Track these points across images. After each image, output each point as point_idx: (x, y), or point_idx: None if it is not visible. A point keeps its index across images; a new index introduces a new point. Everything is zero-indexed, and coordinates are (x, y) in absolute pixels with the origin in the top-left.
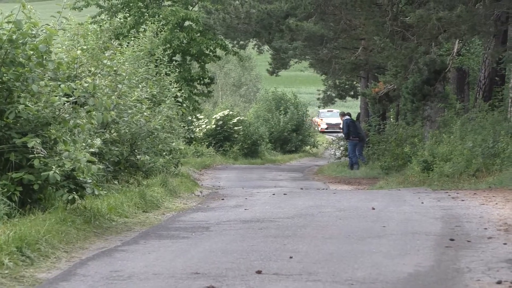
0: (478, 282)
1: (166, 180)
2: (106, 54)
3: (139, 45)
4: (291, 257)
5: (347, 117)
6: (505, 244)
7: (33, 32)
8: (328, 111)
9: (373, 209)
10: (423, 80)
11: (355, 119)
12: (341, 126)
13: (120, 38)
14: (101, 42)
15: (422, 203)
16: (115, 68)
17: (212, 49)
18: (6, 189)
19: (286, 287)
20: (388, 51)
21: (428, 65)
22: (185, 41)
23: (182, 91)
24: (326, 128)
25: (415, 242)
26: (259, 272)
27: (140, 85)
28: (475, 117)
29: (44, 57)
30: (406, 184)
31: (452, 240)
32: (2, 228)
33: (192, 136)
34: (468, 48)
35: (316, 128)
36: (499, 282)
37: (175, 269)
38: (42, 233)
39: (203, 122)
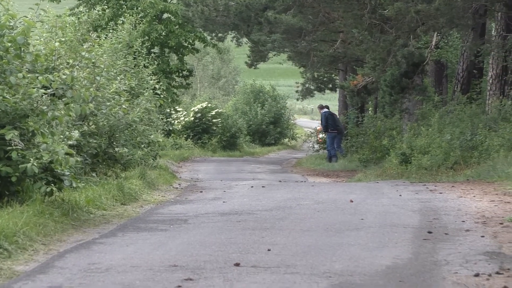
0: (456, 274)
1: (145, 172)
2: (84, 46)
3: (117, 37)
4: (269, 250)
5: (326, 109)
6: (482, 236)
7: (11, 24)
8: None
9: (351, 201)
10: (401, 73)
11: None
12: None
13: (99, 30)
14: (79, 34)
15: (400, 195)
16: (93, 60)
17: (190, 41)
18: None
19: (264, 279)
20: (366, 44)
21: (406, 58)
22: (163, 34)
23: (161, 83)
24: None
25: (393, 235)
26: (237, 264)
27: (118, 77)
28: (453, 110)
29: (22, 49)
30: (384, 177)
31: (430, 232)
32: None
33: (171, 128)
34: (446, 41)
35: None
36: (476, 275)
37: (153, 262)
38: (19, 226)
39: (182, 114)
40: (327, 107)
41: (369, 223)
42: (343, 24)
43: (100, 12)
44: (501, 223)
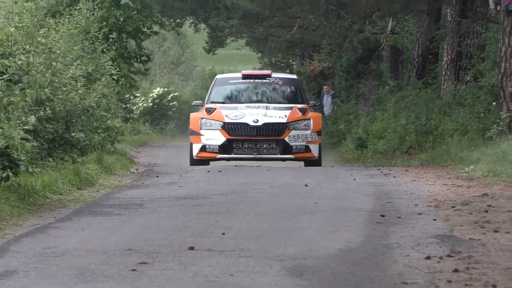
0: (407, 257)
1: (102, 157)
2: (41, 32)
3: (75, 22)
4: (223, 234)
5: None
6: (434, 220)
7: None
8: None
9: (306, 186)
10: (357, 58)
11: None
12: None
13: (57, 16)
14: (35, 20)
15: (355, 179)
16: (49, 46)
17: (148, 26)
18: None
19: (218, 262)
20: (322, 29)
21: (362, 43)
22: (121, 19)
23: (118, 69)
24: None
25: (346, 218)
26: (191, 248)
27: (75, 63)
28: (408, 95)
29: None
30: (341, 162)
31: (382, 216)
32: None
33: (130, 115)
34: (402, 27)
35: None
36: (428, 258)
37: (108, 246)
38: None
39: (140, 100)
40: None
41: (323, 207)
42: (300, 10)
43: None
44: (453, 207)
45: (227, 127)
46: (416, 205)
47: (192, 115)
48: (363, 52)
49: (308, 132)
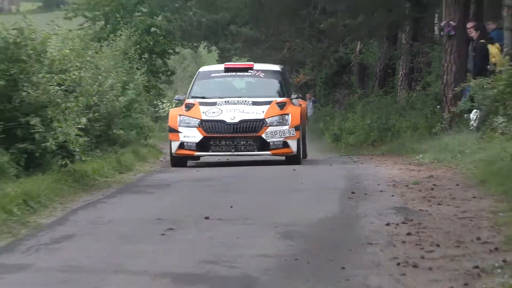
0: (372, 224)
1: (137, 149)
2: (89, 53)
3: (116, 46)
4: (231, 207)
5: None
6: (392, 196)
7: (33, 36)
8: None
9: (294, 170)
10: (333, 72)
11: None
12: None
13: (101, 41)
14: (84, 43)
15: (331, 165)
16: (95, 64)
17: (172, 48)
18: (14, 157)
19: (227, 228)
20: (306, 50)
21: (337, 61)
22: (151, 43)
23: (149, 80)
24: None
25: (325, 195)
26: (207, 218)
27: (112, 74)
28: (372, 101)
29: (41, 55)
30: (321, 152)
31: (353, 193)
32: (12, 186)
33: (158, 115)
34: (367, 48)
35: None
36: (387, 224)
37: (143, 216)
38: (42, 189)
39: (167, 105)
40: None
41: (308, 186)
42: (289, 35)
43: (101, 27)
44: (407, 186)
45: (204, 125)
46: (379, 184)
47: (171, 111)
48: (337, 68)
49: (286, 127)
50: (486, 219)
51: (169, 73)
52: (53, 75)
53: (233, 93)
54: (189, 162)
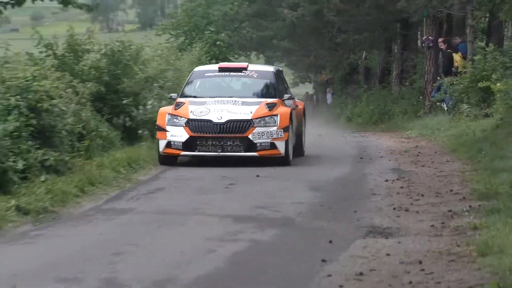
0: (375, 180)
1: None
2: (172, 58)
3: (192, 54)
4: (275, 168)
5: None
6: (389, 160)
7: (132, 47)
8: None
9: (320, 136)
10: (346, 73)
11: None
12: None
13: (182, 51)
14: (170, 52)
15: (345, 138)
16: (178, 67)
17: (232, 56)
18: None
19: (273, 184)
20: (326, 57)
21: (348, 65)
22: (217, 52)
23: None
24: None
25: (340, 160)
26: (257, 176)
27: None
28: (374, 93)
29: (136, 59)
30: (338, 129)
31: (361, 158)
32: (119, 153)
33: None
34: (370, 55)
35: None
36: (386, 180)
37: (212, 176)
38: (141, 155)
39: None
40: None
41: (327, 153)
42: (314, 47)
43: (182, 41)
44: (400, 153)
45: (191, 124)
46: (379, 152)
47: (160, 110)
48: (349, 70)
49: (274, 128)
50: (457, 176)
51: None
52: (142, 71)
53: (224, 93)
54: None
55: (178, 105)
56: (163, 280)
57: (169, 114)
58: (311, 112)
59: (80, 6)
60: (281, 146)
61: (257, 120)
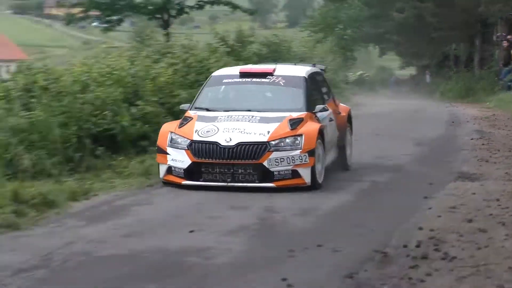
0: (463, 139)
1: None
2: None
3: (326, 45)
4: (385, 126)
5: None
6: (474, 124)
7: (284, 39)
8: None
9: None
10: (440, 60)
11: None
12: None
13: (318, 43)
14: (310, 42)
15: (438, 108)
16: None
17: (356, 47)
18: None
19: (386, 140)
20: (425, 48)
21: (442, 53)
22: (344, 44)
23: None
24: None
25: (437, 124)
26: (377, 134)
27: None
28: (461, 75)
29: (289, 49)
30: (434, 101)
31: (453, 122)
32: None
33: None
34: (458, 46)
35: None
36: (471, 139)
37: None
38: None
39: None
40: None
41: (428, 118)
42: (417, 41)
43: (319, 35)
44: (481, 119)
45: (194, 147)
46: (466, 118)
47: (163, 127)
48: (442, 58)
49: (297, 152)
50: None
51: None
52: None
53: (241, 105)
54: None
55: (185, 121)
56: (307, 209)
57: (172, 133)
58: (413, 89)
59: (245, 11)
60: (305, 174)
61: (275, 142)
